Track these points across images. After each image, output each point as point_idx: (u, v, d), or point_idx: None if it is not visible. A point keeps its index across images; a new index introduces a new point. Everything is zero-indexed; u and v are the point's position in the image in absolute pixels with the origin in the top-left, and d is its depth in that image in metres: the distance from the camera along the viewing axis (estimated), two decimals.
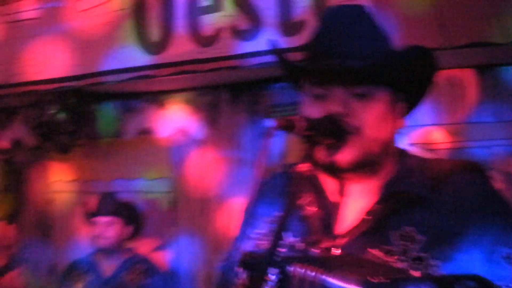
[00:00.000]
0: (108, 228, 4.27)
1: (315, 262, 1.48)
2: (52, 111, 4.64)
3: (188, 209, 4.59)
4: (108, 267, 4.31)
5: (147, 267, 4.28)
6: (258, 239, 1.81)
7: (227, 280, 2.01)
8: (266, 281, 1.47)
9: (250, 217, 1.90)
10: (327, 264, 1.45)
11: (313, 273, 1.42)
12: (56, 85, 4.60)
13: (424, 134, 3.92)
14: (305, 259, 1.50)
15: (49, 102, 4.67)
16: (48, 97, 4.68)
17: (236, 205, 4.31)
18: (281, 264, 1.48)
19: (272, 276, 1.48)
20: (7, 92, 4.89)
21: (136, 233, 4.47)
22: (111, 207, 4.31)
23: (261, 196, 1.72)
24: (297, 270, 1.47)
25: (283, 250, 1.60)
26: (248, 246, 1.81)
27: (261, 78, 4.19)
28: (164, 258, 4.63)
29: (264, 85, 4.28)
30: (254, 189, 1.58)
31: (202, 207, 4.51)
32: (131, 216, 4.37)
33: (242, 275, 1.44)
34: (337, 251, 1.65)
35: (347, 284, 1.32)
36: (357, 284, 1.30)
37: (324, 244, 1.67)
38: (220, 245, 4.36)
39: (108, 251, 4.29)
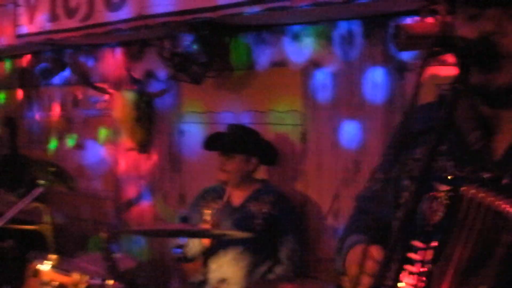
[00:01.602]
0: (227, 162, 4.30)
1: (488, 188, 1.45)
2: (185, 43, 4.65)
3: (317, 142, 4.54)
4: (237, 196, 4.37)
5: (276, 198, 4.30)
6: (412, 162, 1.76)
7: (367, 210, 2.00)
8: (435, 197, 1.48)
9: (400, 145, 1.85)
10: (503, 191, 1.40)
11: (490, 199, 1.40)
12: (189, 17, 4.61)
13: None
14: (478, 183, 1.48)
15: (182, 33, 4.68)
16: (181, 29, 4.69)
17: (366, 140, 4.25)
18: (453, 183, 1.48)
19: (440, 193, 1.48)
20: (140, 24, 4.96)
21: (265, 164, 4.48)
22: (228, 142, 4.35)
23: (410, 125, 1.68)
24: (471, 192, 1.46)
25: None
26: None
27: (395, 11, 4.03)
28: (292, 189, 4.61)
29: (398, 18, 4.13)
30: (404, 119, 1.55)
31: (331, 141, 4.46)
32: (255, 148, 4.37)
33: (410, 188, 1.39)
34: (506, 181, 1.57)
35: None
36: None
37: (487, 174, 1.60)
38: (348, 179, 4.33)
39: (236, 181, 4.33)
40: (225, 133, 4.46)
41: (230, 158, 4.29)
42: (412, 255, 1.53)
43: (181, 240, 3.80)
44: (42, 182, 3.76)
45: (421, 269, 1.51)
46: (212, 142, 4.45)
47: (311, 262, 4.51)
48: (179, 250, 3.83)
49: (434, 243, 1.50)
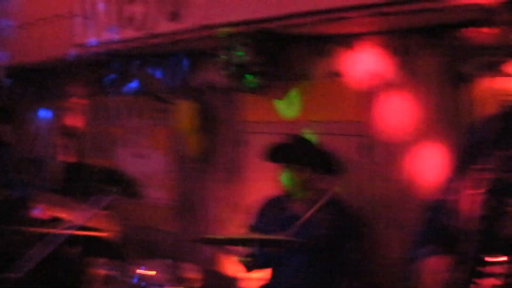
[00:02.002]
0: (290, 173, 4.36)
1: None
2: (243, 53, 4.72)
3: (376, 153, 4.57)
4: (299, 206, 4.40)
5: (339, 208, 4.33)
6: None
7: (437, 221, 1.99)
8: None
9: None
10: None
11: None
12: (247, 27, 4.68)
13: None
14: None
15: (240, 44, 4.75)
16: (239, 39, 4.75)
17: (426, 151, 4.25)
18: None
19: None
20: (199, 35, 5.03)
21: (327, 175, 4.52)
22: (291, 153, 4.39)
23: (475, 136, 1.68)
24: None
25: None
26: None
27: (456, 20, 4.03)
28: (355, 199, 4.63)
29: (459, 28, 4.13)
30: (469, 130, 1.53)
31: (391, 151, 4.47)
32: (317, 159, 4.41)
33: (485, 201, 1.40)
34: None
35: None
36: None
37: None
38: (408, 190, 4.34)
39: (299, 191, 4.38)
40: (287, 144, 4.49)
41: (292, 169, 4.35)
42: (484, 268, 1.53)
43: (250, 249, 3.86)
44: (111, 190, 3.87)
45: (494, 283, 1.50)
46: (274, 154, 4.49)
47: (374, 273, 4.52)
48: (247, 259, 3.89)
49: (506, 257, 1.50)
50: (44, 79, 7.87)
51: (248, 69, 4.76)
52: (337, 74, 4.73)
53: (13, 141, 7.69)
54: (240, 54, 4.70)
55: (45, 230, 5.95)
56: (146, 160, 6.59)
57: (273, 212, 4.47)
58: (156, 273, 4.18)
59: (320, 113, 4.94)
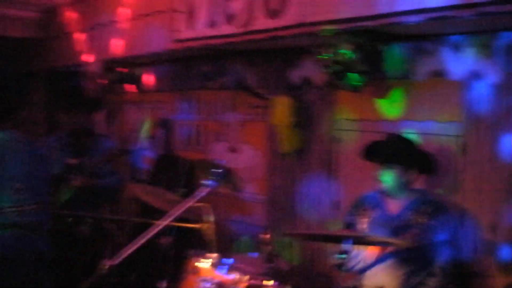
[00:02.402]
0: (385, 172, 4.32)
1: None
2: (344, 51, 4.70)
3: (477, 154, 4.47)
4: (394, 205, 4.39)
5: (434, 209, 4.27)
6: None
7: None
8: None
9: None
10: None
11: None
12: (349, 25, 4.65)
13: None
14: None
15: (342, 41, 4.73)
16: (341, 37, 4.73)
17: None
18: None
19: None
20: (300, 32, 5.03)
21: (424, 174, 4.46)
22: (390, 152, 4.36)
23: None
24: None
25: None
26: None
27: None
28: (450, 201, 4.56)
29: None
30: None
31: (491, 153, 4.37)
32: (413, 159, 4.36)
33: None
34: None
35: None
36: None
37: None
38: (508, 193, 4.25)
39: (394, 191, 4.34)
40: (383, 143, 4.47)
41: (388, 168, 4.31)
42: None
43: (345, 246, 3.84)
44: (208, 182, 3.90)
45: None
46: (370, 152, 4.48)
47: (466, 277, 4.44)
48: (342, 256, 3.87)
49: None
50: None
51: (352, 68, 4.73)
52: (439, 74, 4.64)
53: (107, 132, 7.90)
54: (344, 53, 4.67)
55: (141, 220, 6.10)
56: (240, 155, 6.64)
57: (367, 210, 4.43)
58: (248, 266, 4.19)
59: (421, 113, 4.88)
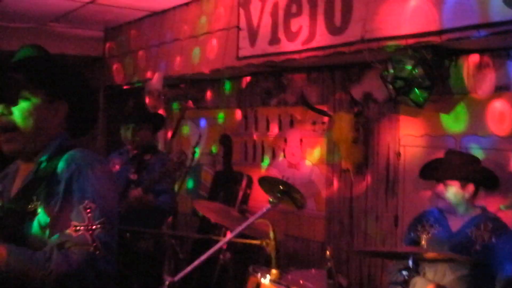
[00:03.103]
0: (444, 191, 4.26)
1: None
2: (408, 66, 4.68)
3: None
4: (455, 222, 4.32)
5: (496, 226, 4.19)
6: None
7: None
8: None
9: None
10: None
11: None
12: (412, 40, 4.63)
13: None
14: None
15: (405, 57, 4.71)
16: (404, 53, 4.71)
17: None
18: None
19: None
20: (362, 48, 5.02)
21: (485, 190, 4.39)
22: (445, 170, 4.29)
23: None
24: None
25: None
26: None
27: None
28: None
29: None
30: None
31: None
32: (473, 175, 4.29)
33: None
34: None
35: None
36: None
37: None
38: None
39: (454, 207, 4.28)
40: (442, 160, 4.42)
41: (446, 184, 4.26)
42: None
43: (408, 263, 3.80)
44: (271, 199, 3.89)
45: None
46: (429, 171, 4.43)
47: None
48: (405, 273, 3.83)
49: None
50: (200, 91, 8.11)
51: (415, 83, 4.70)
52: (504, 88, 4.58)
53: (168, 148, 7.97)
54: (409, 68, 4.64)
55: (202, 236, 6.12)
56: (300, 171, 6.63)
57: (427, 226, 4.39)
58: (307, 282, 4.17)
59: (484, 128, 4.82)
